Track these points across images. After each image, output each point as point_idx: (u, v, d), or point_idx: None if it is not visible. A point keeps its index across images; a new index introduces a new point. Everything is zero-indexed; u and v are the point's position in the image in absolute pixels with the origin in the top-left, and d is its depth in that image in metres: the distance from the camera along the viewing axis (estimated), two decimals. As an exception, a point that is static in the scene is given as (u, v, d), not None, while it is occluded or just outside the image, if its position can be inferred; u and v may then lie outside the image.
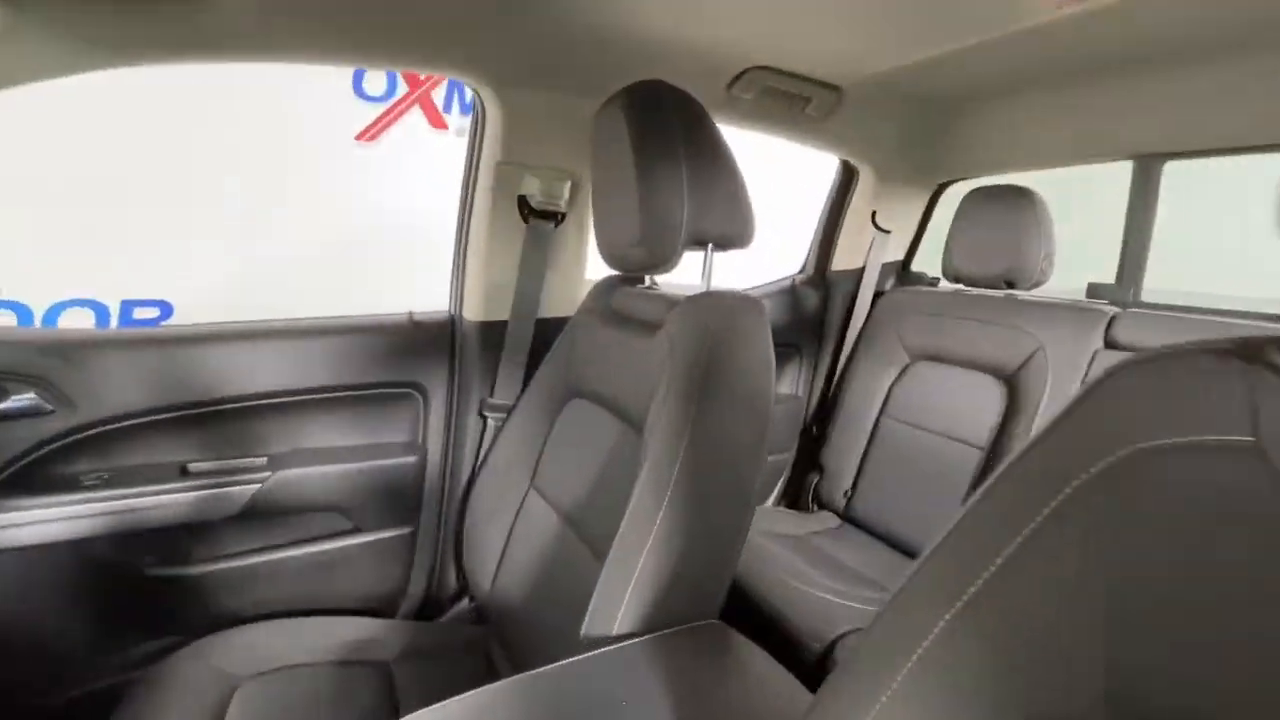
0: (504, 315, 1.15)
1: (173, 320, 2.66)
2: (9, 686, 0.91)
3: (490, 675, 0.99)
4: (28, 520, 0.89)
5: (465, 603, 1.19)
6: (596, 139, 0.88)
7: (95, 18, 0.71)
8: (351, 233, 3.02)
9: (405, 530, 1.17)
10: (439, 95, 3.11)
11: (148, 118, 2.34)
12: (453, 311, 1.19)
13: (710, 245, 0.83)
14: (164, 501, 0.97)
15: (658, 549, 0.68)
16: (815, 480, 1.58)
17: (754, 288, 1.61)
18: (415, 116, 3.02)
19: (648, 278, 0.98)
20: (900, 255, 1.71)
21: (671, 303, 0.82)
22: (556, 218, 1.14)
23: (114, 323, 2.56)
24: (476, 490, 1.09)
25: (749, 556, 1.08)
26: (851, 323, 1.64)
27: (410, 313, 1.16)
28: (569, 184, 1.12)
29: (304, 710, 0.85)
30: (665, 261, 0.82)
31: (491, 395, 1.16)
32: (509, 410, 1.12)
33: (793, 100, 1.18)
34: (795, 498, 1.65)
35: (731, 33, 0.97)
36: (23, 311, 2.39)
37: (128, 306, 2.61)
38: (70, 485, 0.92)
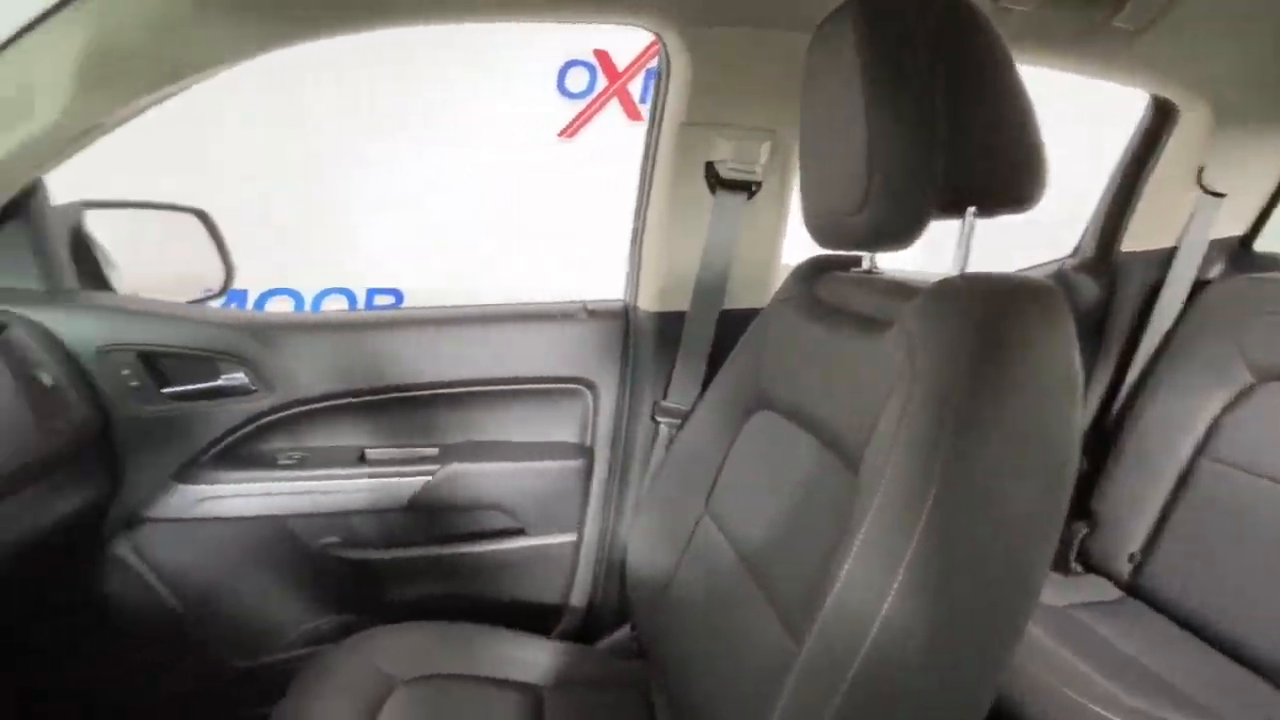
0: (683, 305, 0.98)
1: (404, 305, 3.00)
2: (204, 644, 0.98)
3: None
4: (232, 494, 0.93)
5: (626, 629, 1.06)
6: (809, 77, 0.66)
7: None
8: (557, 226, 3.14)
9: (569, 538, 1.07)
10: (635, 86, 3.08)
11: (371, 127, 2.60)
12: (627, 300, 1.05)
13: (971, 210, 0.57)
14: (343, 486, 0.97)
15: (884, 647, 0.46)
16: (1083, 533, 1.19)
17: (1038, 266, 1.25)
18: (613, 110, 3.02)
19: (866, 259, 0.74)
20: (1239, 229, 1.21)
21: (908, 292, 0.58)
22: (750, 188, 0.94)
23: (360, 308, 2.94)
24: (645, 507, 0.94)
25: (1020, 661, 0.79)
26: (1152, 323, 1.20)
27: (584, 302, 1.05)
28: (767, 145, 0.91)
29: None
30: (903, 235, 0.57)
31: (665, 397, 1.00)
32: (684, 416, 0.95)
33: (1094, 6, 0.83)
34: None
35: None
36: (297, 298, 2.83)
37: (371, 294, 2.99)
38: (267, 463, 0.96)
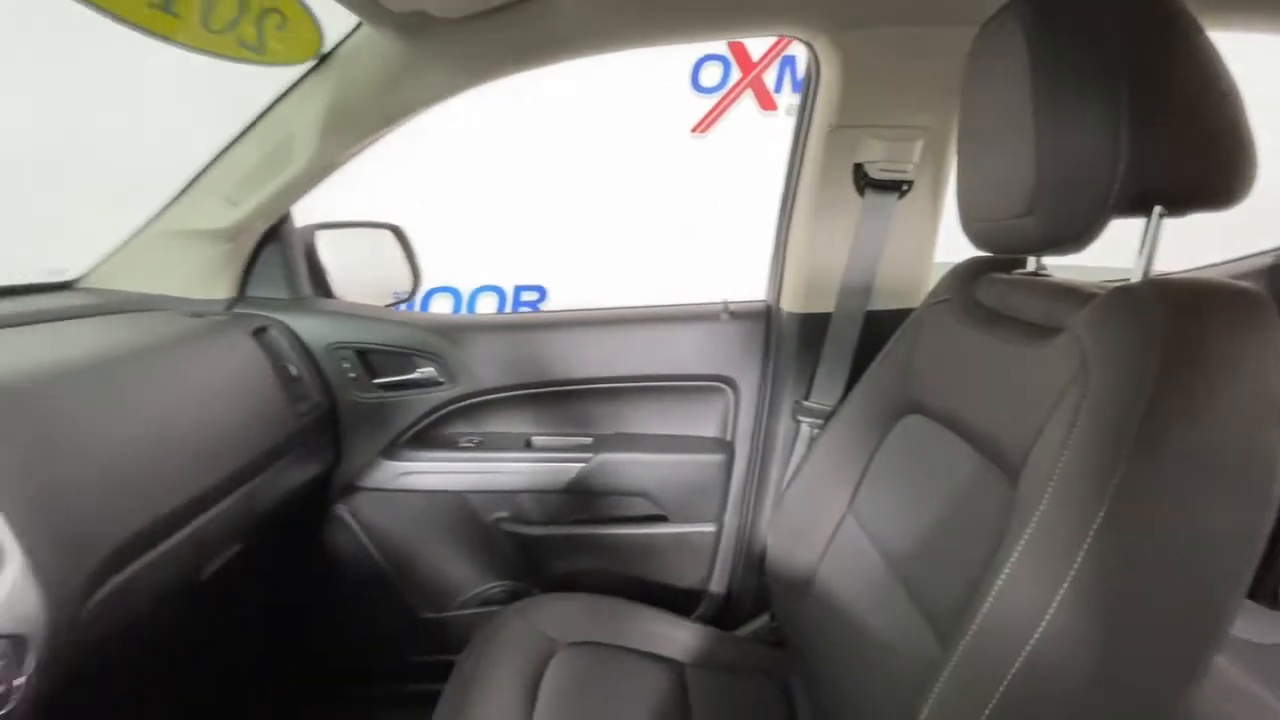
0: (827, 307, 0.99)
1: (547, 300, 3.23)
2: (400, 594, 1.15)
3: (788, 711, 0.88)
4: (423, 470, 1.10)
5: (765, 619, 1.09)
6: (973, 70, 0.64)
7: (464, 38, 0.79)
8: (689, 222, 3.21)
9: (709, 528, 1.12)
10: (770, 77, 3.05)
11: (510, 130, 2.77)
12: (769, 301, 1.08)
13: (1158, 210, 0.53)
14: (512, 468, 1.10)
15: (1039, 665, 0.46)
16: None
17: (1199, 269, 1.11)
18: (747, 103, 3.01)
19: (1032, 261, 0.71)
20: None
21: (1081, 297, 0.56)
22: (901, 187, 0.92)
23: (509, 304, 3.20)
24: (786, 503, 0.97)
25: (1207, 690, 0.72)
26: None
27: (726, 302, 1.09)
28: (920, 143, 0.89)
29: (605, 688, 0.86)
30: (1075, 239, 0.54)
31: (807, 397, 1.02)
32: (827, 416, 0.96)
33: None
34: (1257, 583, 1.10)
35: None
36: (455, 294, 3.13)
37: (518, 290, 3.24)
38: (451, 445, 1.11)
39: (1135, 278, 0.55)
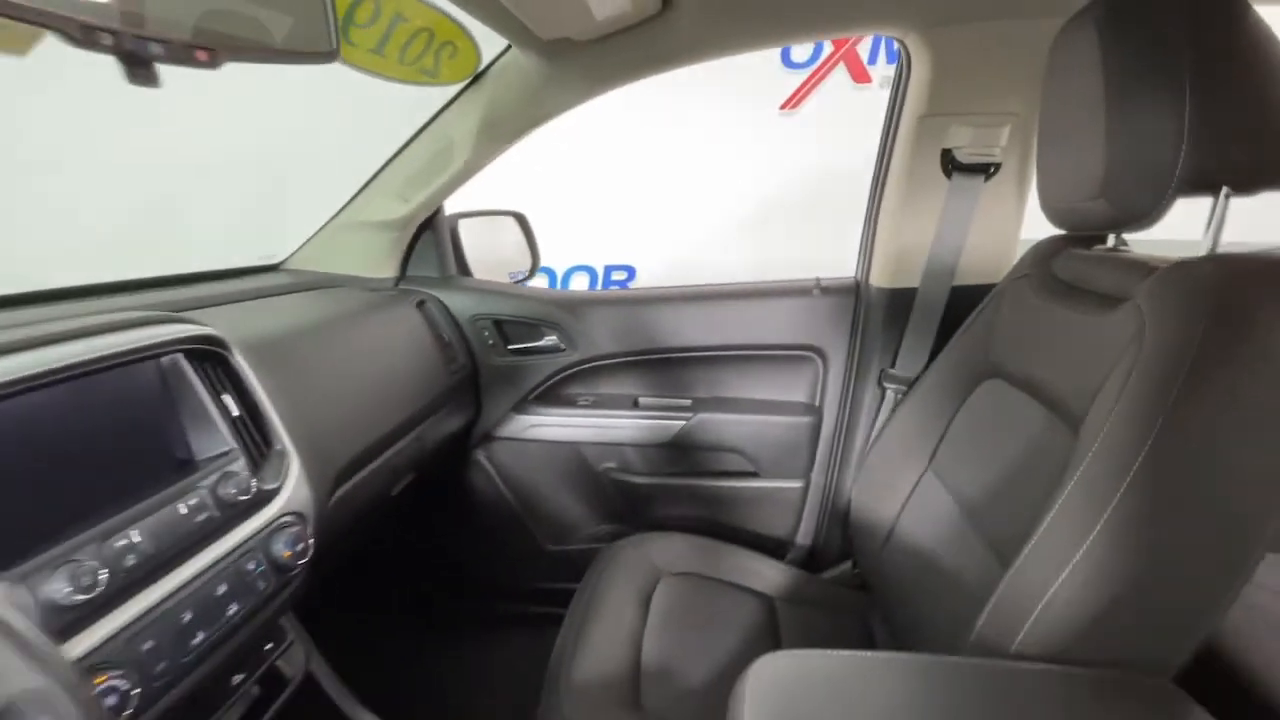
0: (913, 283, 1.07)
1: (636, 279, 3.39)
2: (527, 529, 1.35)
3: (868, 641, 0.99)
4: (547, 424, 1.28)
5: (848, 565, 1.20)
6: (1053, 66, 0.71)
7: (595, 54, 0.93)
8: (775, 198, 3.27)
9: (797, 484, 1.24)
10: (864, 48, 3.02)
11: (601, 111, 2.86)
12: (858, 277, 1.17)
13: (1225, 189, 0.60)
14: (621, 424, 1.26)
15: (1086, 569, 0.55)
16: None
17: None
18: (838, 77, 3.00)
19: (1111, 237, 0.77)
20: None
21: (1146, 269, 0.63)
22: (988, 170, 0.99)
23: (600, 283, 3.38)
24: (870, 461, 1.07)
25: (1254, 627, 0.78)
26: None
27: (817, 279, 1.20)
28: (1008, 129, 0.95)
29: (704, 613, 1.00)
30: (1142, 216, 0.62)
31: (893, 366, 1.11)
32: (911, 383, 1.05)
33: None
34: None
35: None
36: (550, 274, 3.34)
37: (608, 270, 3.43)
38: (570, 403, 1.29)
39: (1202, 252, 0.62)
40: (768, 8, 0.91)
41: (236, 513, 0.62)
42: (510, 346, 1.27)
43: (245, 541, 0.62)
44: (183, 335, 0.63)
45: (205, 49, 0.42)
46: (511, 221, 1.45)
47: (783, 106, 3.20)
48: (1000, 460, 0.78)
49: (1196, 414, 0.53)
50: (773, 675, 0.56)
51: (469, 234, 1.36)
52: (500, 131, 1.03)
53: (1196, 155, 0.57)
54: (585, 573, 1.07)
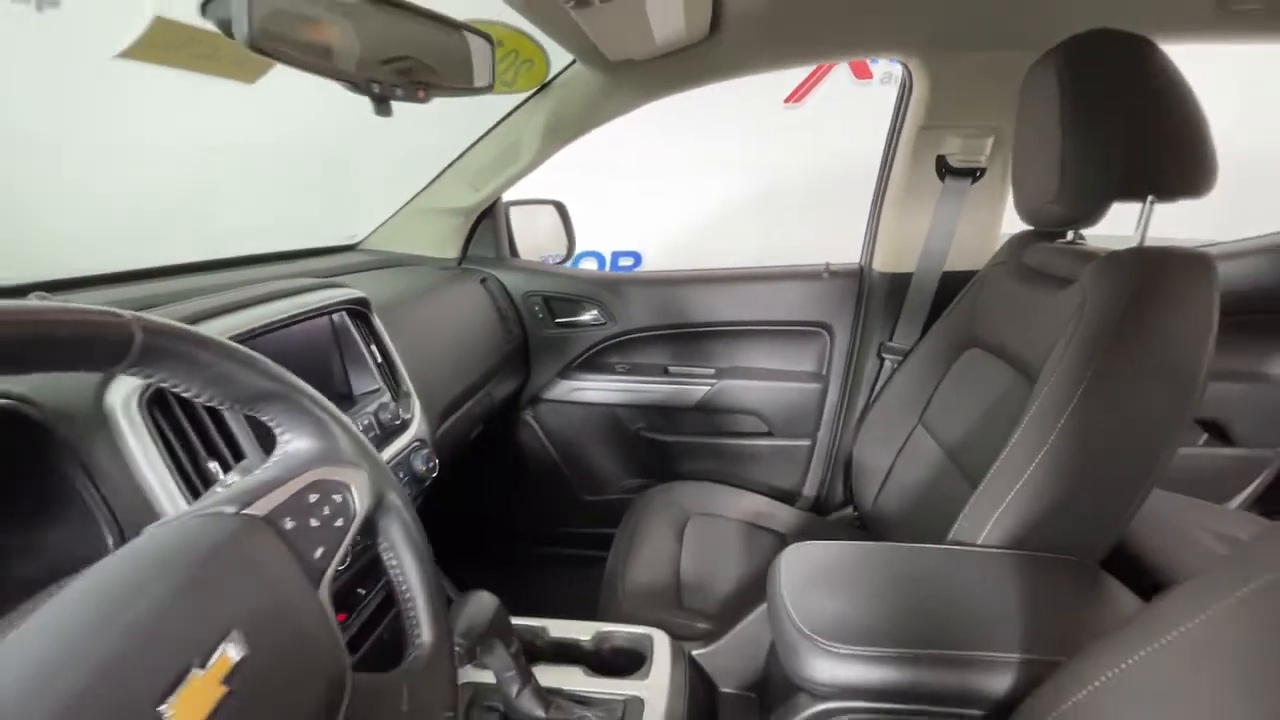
0: (910, 267, 1.26)
1: (642, 265, 3.56)
2: (569, 481, 1.54)
3: None
4: (588, 387, 1.47)
5: (849, 510, 1.40)
6: (1024, 94, 0.89)
7: (649, 70, 1.10)
8: (777, 188, 3.45)
9: (805, 442, 1.44)
10: (866, 45, 3.16)
11: None
12: (862, 263, 1.36)
13: (1150, 197, 0.79)
14: (653, 389, 1.45)
15: (1033, 482, 0.74)
16: None
17: (1238, 241, 1.29)
18: (841, 72, 3.16)
19: (1070, 232, 0.96)
20: None
21: (1090, 258, 0.82)
22: (975, 174, 1.18)
23: (608, 267, 3.55)
24: (870, 420, 1.26)
25: (1181, 551, 0.98)
26: None
27: (827, 264, 1.38)
28: (991, 140, 1.14)
29: (728, 545, 1.19)
30: (1087, 216, 0.81)
31: (891, 339, 1.31)
32: (905, 354, 1.25)
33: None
34: (1275, 505, 1.31)
35: None
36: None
37: (616, 255, 3.59)
38: (608, 370, 1.47)
39: (1132, 244, 0.81)
40: (797, 34, 1.09)
41: (388, 434, 0.81)
42: (557, 320, 1.45)
43: (395, 457, 0.80)
44: (347, 297, 0.81)
45: (422, 88, 0.59)
46: (552, 209, 1.62)
47: (787, 100, 3.38)
48: (976, 410, 0.97)
49: (1117, 364, 0.72)
50: (799, 556, 0.75)
51: (517, 219, 1.54)
52: (562, 133, 1.21)
53: (1127, 169, 0.76)
54: (623, 515, 1.26)
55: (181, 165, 1.71)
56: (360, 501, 0.43)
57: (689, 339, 1.46)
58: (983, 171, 1.17)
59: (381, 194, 1.41)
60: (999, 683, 0.59)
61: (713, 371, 1.45)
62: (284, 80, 0.65)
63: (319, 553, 0.39)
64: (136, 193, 1.68)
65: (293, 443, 0.42)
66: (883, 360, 1.32)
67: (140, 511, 0.52)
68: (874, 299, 1.33)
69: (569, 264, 1.64)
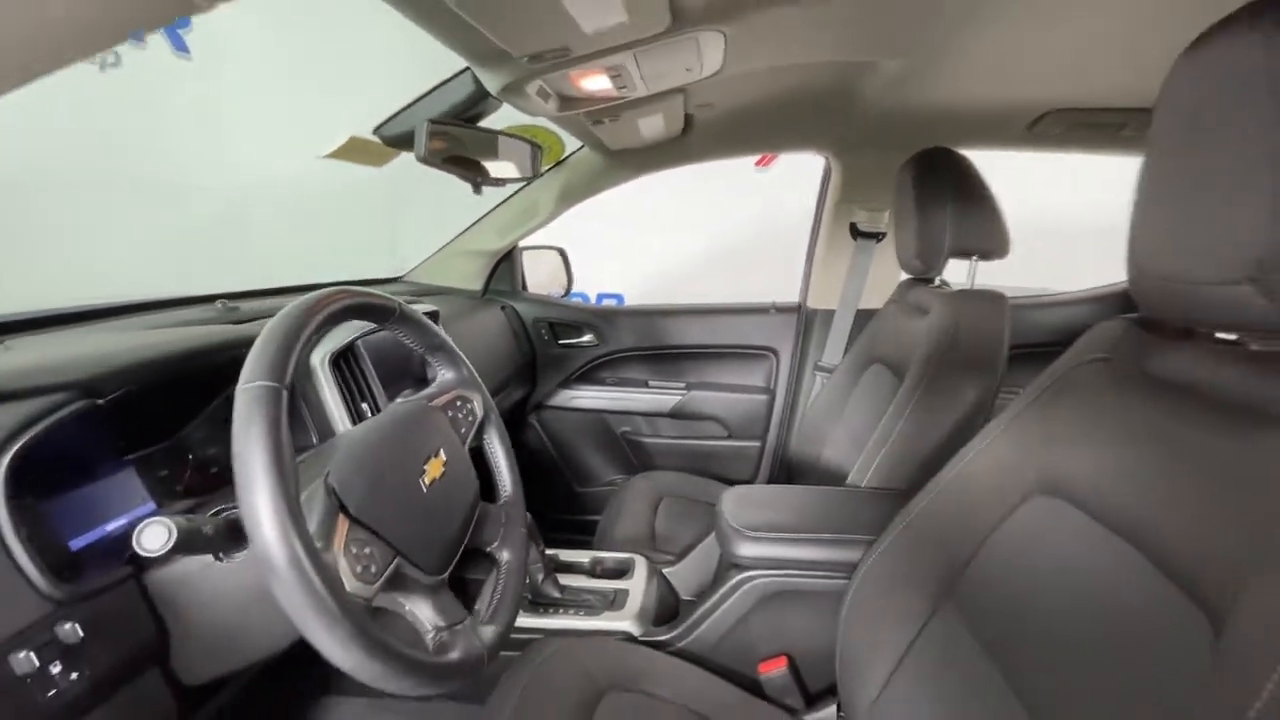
0: (834, 305, 1.66)
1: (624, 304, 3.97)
2: (564, 476, 1.86)
3: None
4: (583, 396, 1.81)
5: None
6: (896, 186, 1.29)
7: (639, 155, 1.50)
8: (744, 240, 3.92)
9: (756, 443, 1.79)
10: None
11: None
12: (801, 300, 1.75)
13: (975, 257, 1.18)
14: (636, 398, 1.81)
15: (897, 438, 1.05)
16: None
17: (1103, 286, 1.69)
18: (801, 143, 3.66)
19: (937, 279, 1.35)
20: None
21: (941, 297, 1.20)
22: (877, 236, 1.59)
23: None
24: (806, 419, 1.62)
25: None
26: None
27: (773, 302, 1.77)
28: (888, 213, 1.55)
29: (690, 516, 1.51)
30: (933, 268, 1.19)
31: (822, 359, 1.69)
32: (832, 370, 1.62)
33: (1105, 127, 1.35)
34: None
35: (1020, 90, 1.24)
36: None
37: (600, 297, 3.99)
38: (599, 382, 1.83)
39: (965, 287, 1.20)
40: (745, 135, 1.50)
41: None
42: (560, 341, 1.81)
43: None
44: (428, 310, 1.16)
45: (501, 182, 0.96)
46: (555, 254, 2.00)
47: (757, 164, 3.89)
48: (865, 411, 1.33)
49: (945, 366, 1.09)
50: (736, 491, 1.10)
51: (528, 261, 1.91)
52: (570, 198, 1.60)
53: (956, 240, 1.15)
54: (609, 498, 1.59)
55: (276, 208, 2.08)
56: (479, 410, 0.78)
57: (665, 359, 1.82)
58: (883, 235, 1.58)
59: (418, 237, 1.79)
60: (851, 554, 0.93)
61: (684, 385, 1.81)
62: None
63: (463, 430, 0.74)
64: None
65: (448, 375, 0.77)
66: (815, 376, 1.70)
67: (324, 422, 0.86)
68: (810, 329, 1.71)
69: (568, 298, 2.01)
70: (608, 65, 0.84)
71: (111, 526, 0.64)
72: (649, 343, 1.80)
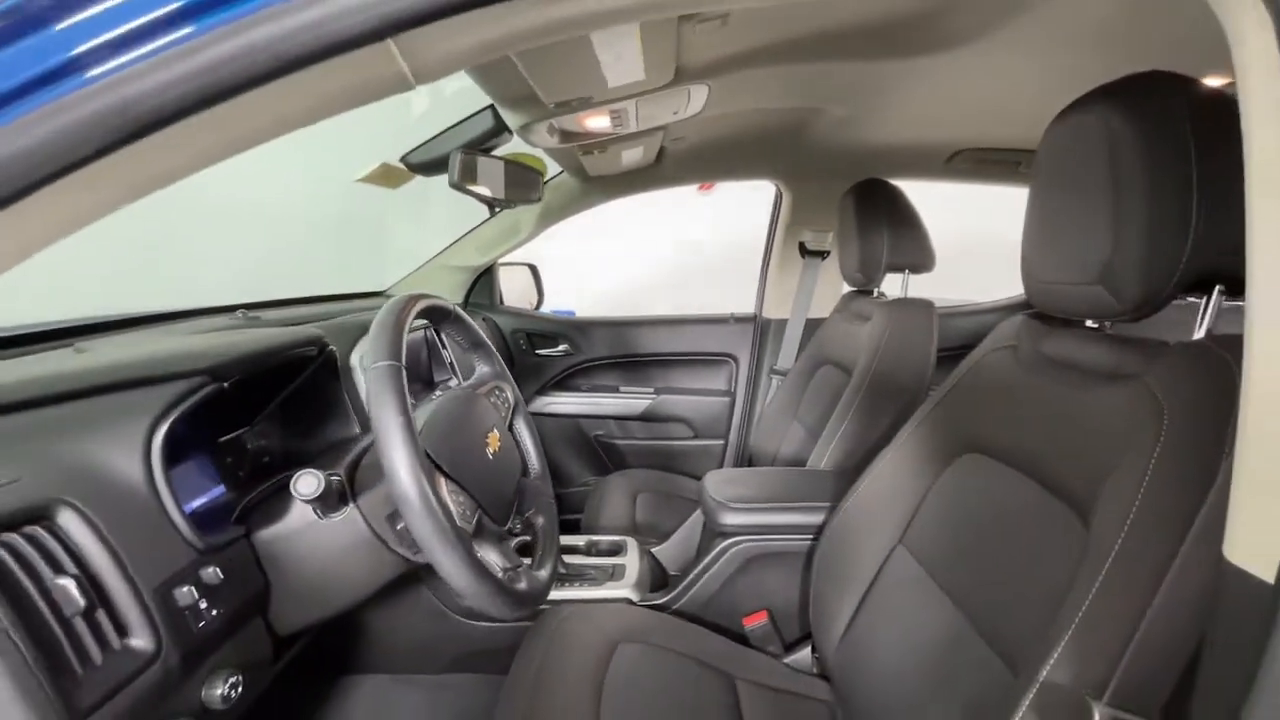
0: (787, 315, 1.86)
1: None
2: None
3: None
4: (559, 403, 1.94)
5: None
6: (839, 212, 1.51)
7: (615, 180, 1.66)
8: (687, 258, 4.16)
9: (719, 441, 1.97)
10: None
11: None
12: (757, 311, 1.95)
13: (907, 270, 1.40)
14: (608, 403, 1.95)
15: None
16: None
17: (1012, 296, 1.99)
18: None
19: (875, 290, 1.57)
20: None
21: (880, 306, 1.42)
22: (823, 254, 1.81)
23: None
24: (764, 418, 1.81)
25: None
26: None
27: (731, 313, 1.96)
28: (831, 234, 1.78)
29: (665, 506, 1.67)
30: (874, 281, 1.41)
31: (776, 363, 1.88)
32: (786, 373, 1.82)
33: (1005, 164, 1.62)
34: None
35: (938, 132, 1.49)
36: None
37: (556, 312, 4.11)
38: (574, 389, 1.96)
39: (899, 296, 1.42)
40: (709, 164, 1.70)
41: None
42: (536, 351, 1.93)
43: None
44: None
45: (511, 204, 1.11)
46: (527, 270, 2.13)
47: (700, 189, 4.17)
48: (818, 403, 1.53)
49: (881, 361, 1.30)
50: (717, 473, 1.26)
51: (504, 276, 2.03)
52: (549, 218, 1.74)
53: (890, 257, 1.37)
54: (587, 498, 1.72)
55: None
56: (511, 398, 0.91)
57: (635, 366, 1.98)
58: (828, 253, 1.81)
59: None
60: (817, 518, 1.10)
61: (652, 390, 1.97)
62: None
63: (503, 413, 0.87)
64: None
65: (485, 368, 0.90)
66: (771, 379, 1.89)
67: (364, 414, 0.97)
68: (766, 336, 1.91)
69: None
70: (613, 109, 1.00)
71: (210, 495, 0.74)
72: (619, 351, 1.96)
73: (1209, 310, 0.58)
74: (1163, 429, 0.53)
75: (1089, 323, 0.72)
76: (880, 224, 1.37)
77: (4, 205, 0.39)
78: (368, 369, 0.60)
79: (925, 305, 1.34)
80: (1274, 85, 0.35)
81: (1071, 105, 0.66)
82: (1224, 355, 0.54)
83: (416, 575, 1.13)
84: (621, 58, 0.74)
